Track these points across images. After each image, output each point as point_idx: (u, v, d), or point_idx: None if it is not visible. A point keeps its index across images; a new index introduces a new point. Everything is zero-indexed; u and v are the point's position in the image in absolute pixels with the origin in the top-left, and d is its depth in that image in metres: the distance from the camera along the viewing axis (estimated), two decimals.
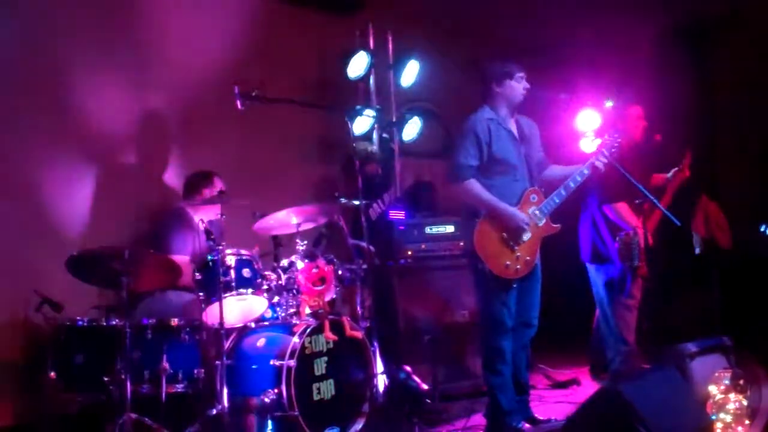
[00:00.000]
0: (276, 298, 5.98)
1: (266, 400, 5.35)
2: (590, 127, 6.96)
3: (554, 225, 5.78)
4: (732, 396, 5.01)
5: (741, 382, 5.07)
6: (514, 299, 5.67)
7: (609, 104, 6.85)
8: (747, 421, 4.99)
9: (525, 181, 5.77)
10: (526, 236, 5.60)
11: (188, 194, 6.52)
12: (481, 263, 5.54)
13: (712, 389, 5.08)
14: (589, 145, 6.51)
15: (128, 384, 4.91)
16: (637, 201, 6.84)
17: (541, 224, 5.69)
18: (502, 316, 5.61)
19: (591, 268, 7.03)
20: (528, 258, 5.63)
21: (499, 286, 5.58)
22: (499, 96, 5.82)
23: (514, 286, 5.60)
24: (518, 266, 5.58)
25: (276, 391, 5.37)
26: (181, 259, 5.87)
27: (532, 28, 9.58)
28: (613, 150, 6.04)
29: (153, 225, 6.51)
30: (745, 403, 5.02)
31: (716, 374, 5.15)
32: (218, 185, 6.43)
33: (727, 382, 5.07)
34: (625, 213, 6.73)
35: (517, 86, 5.80)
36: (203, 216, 6.36)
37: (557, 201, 5.75)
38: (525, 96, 5.83)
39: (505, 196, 5.61)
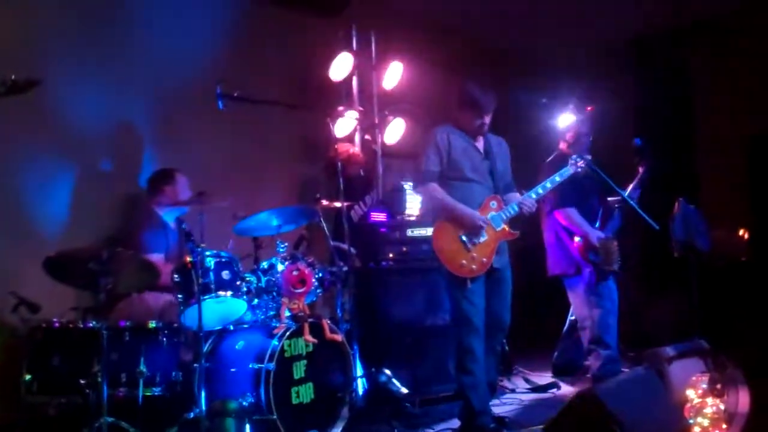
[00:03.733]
0: (255, 301, 5.94)
1: (245, 403, 5.32)
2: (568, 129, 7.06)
3: (513, 231, 5.95)
4: (709, 400, 5.03)
5: (718, 386, 5.08)
6: (480, 298, 5.80)
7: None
8: (724, 425, 5.00)
9: (488, 191, 5.98)
10: (482, 238, 5.78)
11: (150, 193, 6.50)
12: (438, 262, 5.78)
13: (690, 393, 5.09)
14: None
15: (105, 387, 4.86)
16: (616, 205, 6.89)
17: (498, 229, 5.86)
18: (468, 313, 5.75)
19: (566, 280, 7.07)
20: (484, 259, 5.78)
21: (457, 283, 5.75)
22: (463, 121, 6.04)
23: (469, 285, 5.72)
24: (474, 266, 5.74)
25: (255, 394, 5.35)
26: (156, 257, 5.85)
27: (514, 32, 9.60)
28: (579, 169, 6.26)
29: (123, 226, 6.47)
30: (722, 407, 5.03)
31: (694, 378, 5.17)
32: (181, 182, 6.43)
33: (704, 386, 5.09)
34: (574, 216, 6.82)
35: (474, 121, 5.99)
36: (171, 214, 6.36)
37: (516, 209, 5.91)
38: (478, 131, 6.04)
39: (466, 202, 5.83)
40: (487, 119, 6.00)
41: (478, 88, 5.98)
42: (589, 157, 6.33)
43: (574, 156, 6.35)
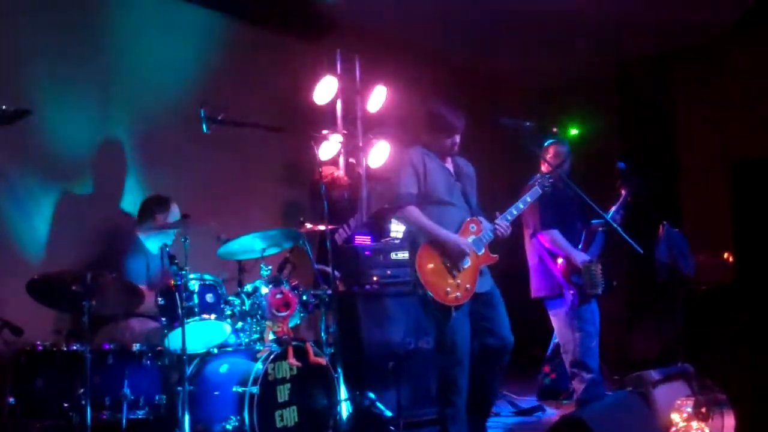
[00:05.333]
0: (239, 324, 5.93)
1: (228, 427, 5.31)
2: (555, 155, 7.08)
3: (492, 255, 5.82)
4: (694, 424, 5.03)
5: (703, 409, 5.08)
6: (466, 327, 5.64)
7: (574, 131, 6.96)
8: None
9: (464, 213, 5.84)
10: (466, 263, 5.64)
11: (141, 216, 6.47)
12: (422, 289, 5.56)
13: (675, 417, 5.10)
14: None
15: (89, 410, 4.83)
16: (600, 229, 6.90)
17: (480, 253, 5.73)
18: (453, 344, 5.57)
19: (549, 302, 7.07)
20: (468, 286, 5.62)
21: (441, 312, 5.57)
22: (432, 142, 5.92)
23: (454, 314, 5.55)
24: (458, 293, 5.57)
25: (238, 418, 5.32)
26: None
27: (498, 56, 9.65)
28: (546, 188, 6.17)
29: (105, 252, 6.40)
30: (707, 430, 5.04)
31: (678, 402, 5.17)
32: (175, 212, 6.39)
33: (689, 409, 5.09)
34: (558, 238, 6.82)
35: (446, 142, 5.90)
36: (155, 241, 6.32)
37: (491, 234, 5.80)
38: (450, 152, 5.96)
39: (443, 225, 5.68)
40: (458, 139, 5.91)
41: (448, 108, 5.89)
42: (551, 179, 6.28)
43: (538, 175, 6.34)
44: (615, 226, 6.51)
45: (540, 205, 6.36)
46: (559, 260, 6.84)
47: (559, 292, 6.90)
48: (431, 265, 5.60)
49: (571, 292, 6.80)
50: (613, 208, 7.06)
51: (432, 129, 5.90)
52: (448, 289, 5.56)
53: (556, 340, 7.44)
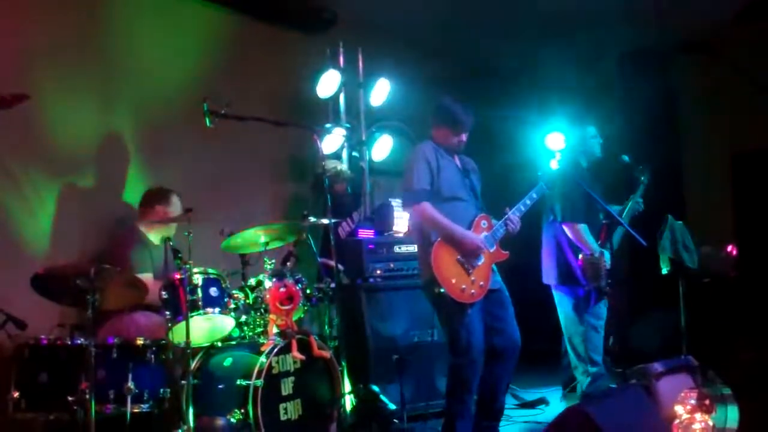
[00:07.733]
0: (243, 317, 5.94)
1: (232, 420, 5.31)
2: (559, 148, 7.01)
3: (503, 252, 5.78)
4: (698, 416, 5.03)
5: (707, 402, 5.09)
6: (479, 325, 5.59)
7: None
8: None
9: (474, 209, 5.81)
10: (480, 260, 5.59)
11: (141, 208, 6.49)
12: (438, 287, 5.48)
13: (678, 409, 5.10)
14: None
15: (93, 404, 4.84)
16: (605, 222, 6.88)
17: (492, 250, 5.68)
18: (467, 343, 5.50)
19: (557, 291, 7.05)
20: (482, 283, 5.58)
21: (456, 310, 5.50)
22: (441, 138, 5.88)
23: (469, 311, 5.50)
24: (473, 291, 5.52)
25: (242, 411, 5.32)
26: (145, 277, 5.82)
27: (501, 49, 9.64)
28: (550, 185, 6.02)
29: (108, 245, 6.42)
30: (711, 423, 5.04)
31: (682, 394, 5.18)
32: (175, 204, 6.41)
33: (693, 402, 5.10)
34: (584, 234, 6.75)
35: (453, 138, 5.87)
36: (156, 234, 6.33)
37: (503, 229, 5.74)
38: (456, 148, 5.92)
39: (455, 221, 5.61)
40: (465, 137, 5.87)
41: (459, 104, 5.84)
42: (554, 175, 6.20)
43: (540, 172, 6.25)
44: (619, 219, 6.51)
45: (570, 196, 6.29)
46: (581, 256, 6.75)
47: (572, 284, 6.85)
48: (446, 263, 5.52)
49: (588, 289, 6.76)
50: (631, 199, 7.02)
51: (442, 124, 5.86)
52: (464, 286, 5.50)
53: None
